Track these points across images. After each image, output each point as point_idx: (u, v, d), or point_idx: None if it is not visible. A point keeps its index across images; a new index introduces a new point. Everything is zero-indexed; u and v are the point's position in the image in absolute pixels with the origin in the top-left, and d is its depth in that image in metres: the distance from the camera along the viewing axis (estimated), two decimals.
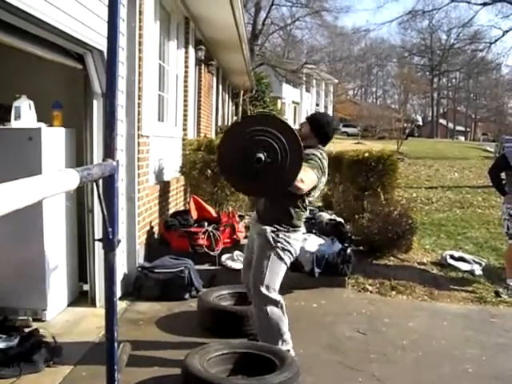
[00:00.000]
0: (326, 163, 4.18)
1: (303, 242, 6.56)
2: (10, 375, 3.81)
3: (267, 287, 4.06)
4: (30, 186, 1.52)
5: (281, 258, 4.09)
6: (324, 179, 4.19)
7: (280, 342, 4.13)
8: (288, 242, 4.10)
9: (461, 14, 79.39)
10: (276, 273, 4.09)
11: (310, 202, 4.27)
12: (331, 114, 53.01)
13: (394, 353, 4.66)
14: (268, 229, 4.08)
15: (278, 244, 4.07)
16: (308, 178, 3.88)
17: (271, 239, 4.06)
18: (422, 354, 4.65)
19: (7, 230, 4.66)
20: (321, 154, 4.15)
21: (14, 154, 4.74)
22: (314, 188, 4.10)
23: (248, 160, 3.56)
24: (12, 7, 3.33)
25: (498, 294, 6.30)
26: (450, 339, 5.03)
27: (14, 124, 4.85)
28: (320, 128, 4.28)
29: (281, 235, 4.08)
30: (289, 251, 4.12)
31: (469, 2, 40.87)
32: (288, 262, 4.17)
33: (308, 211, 4.35)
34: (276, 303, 4.11)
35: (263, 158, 3.53)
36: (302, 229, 4.30)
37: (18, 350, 3.99)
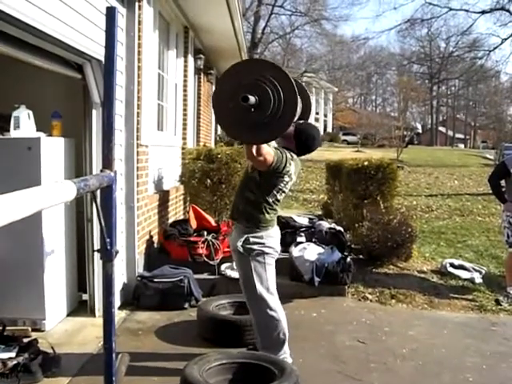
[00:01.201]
0: (291, 166, 4.11)
1: (303, 251, 6.59)
2: None
3: (263, 292, 4.08)
4: (27, 198, 1.52)
5: (262, 263, 4.08)
6: (287, 178, 4.10)
7: (280, 350, 4.12)
8: (262, 243, 4.07)
9: (459, 22, 79.82)
10: (264, 277, 4.10)
11: (276, 201, 4.15)
12: (321, 128, 53.11)
13: (394, 362, 4.65)
14: (238, 243, 4.07)
15: (253, 252, 4.06)
16: (266, 149, 3.85)
17: (244, 252, 4.06)
18: (422, 363, 4.64)
19: (6, 239, 4.65)
20: (291, 155, 4.14)
21: (13, 164, 4.74)
22: (275, 179, 4.05)
23: (236, 99, 3.39)
24: (11, 18, 3.34)
25: (498, 302, 6.29)
26: (450, 348, 5.01)
27: (13, 134, 4.86)
28: (303, 140, 4.25)
29: (251, 240, 4.05)
30: (265, 253, 4.09)
31: (467, 11, 40.90)
32: (271, 260, 4.16)
33: (277, 212, 4.24)
34: (274, 309, 4.11)
35: (251, 100, 3.36)
36: (275, 228, 4.25)
37: (17, 360, 3.96)
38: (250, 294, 4.15)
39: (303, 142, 4.24)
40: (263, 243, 4.08)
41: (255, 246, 4.06)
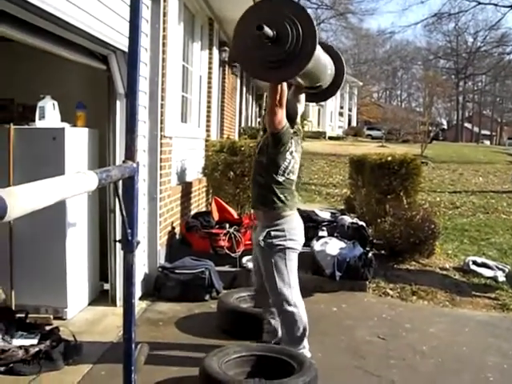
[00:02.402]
0: (292, 145, 4.12)
1: (325, 245, 6.57)
2: (29, 372, 3.84)
3: (284, 289, 4.08)
4: (50, 187, 1.53)
5: (283, 258, 4.08)
6: (289, 156, 4.10)
7: (299, 345, 4.13)
8: (283, 237, 4.07)
9: (488, 16, 78.54)
10: (285, 273, 4.09)
11: (287, 179, 4.14)
12: (346, 122, 52.67)
13: (413, 358, 4.62)
14: (260, 237, 4.08)
15: (275, 248, 4.06)
16: (283, 108, 3.86)
17: (265, 247, 4.07)
18: (442, 361, 4.61)
19: (30, 228, 4.71)
20: (294, 132, 4.17)
21: (38, 154, 4.79)
22: (278, 157, 4.06)
23: (252, 30, 3.31)
24: (38, 9, 3.37)
25: None
26: (471, 346, 4.97)
27: (39, 124, 4.92)
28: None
29: (273, 233, 4.05)
30: (287, 247, 4.09)
31: (496, 5, 40.38)
32: (293, 256, 4.16)
33: (292, 191, 4.22)
34: (294, 304, 4.12)
35: (266, 29, 3.27)
36: (296, 216, 4.23)
37: (39, 347, 4.02)
38: (271, 289, 4.16)
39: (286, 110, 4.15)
40: (285, 236, 4.07)
41: (277, 241, 4.05)
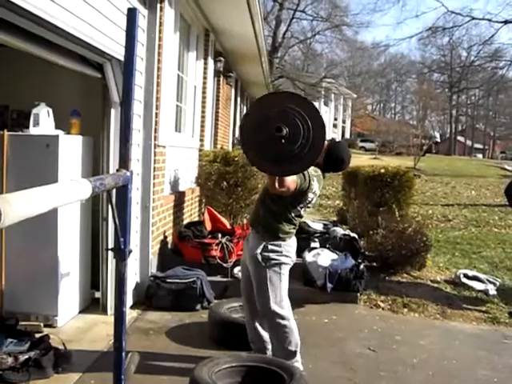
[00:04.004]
0: (315, 183, 4.03)
1: (317, 256, 6.58)
2: (18, 380, 3.82)
3: (276, 304, 4.07)
4: (43, 194, 1.54)
5: (278, 273, 4.07)
6: (311, 195, 4.04)
7: (294, 357, 4.12)
8: (279, 252, 4.05)
9: (481, 31, 79.23)
10: (278, 287, 4.08)
11: (298, 216, 4.12)
12: (339, 134, 52.72)
13: (404, 371, 4.62)
14: (257, 251, 4.04)
15: (270, 262, 4.04)
16: (289, 179, 3.75)
17: (261, 261, 4.03)
18: (432, 374, 4.60)
19: (22, 235, 4.70)
20: (315, 170, 4.05)
21: (32, 161, 4.79)
22: (299, 197, 3.98)
23: (265, 131, 3.36)
24: (34, 16, 3.38)
25: (511, 314, 6.23)
26: (461, 359, 4.97)
27: (33, 131, 4.91)
28: (333, 159, 4.15)
29: (269, 247, 4.03)
30: (282, 263, 4.08)
31: (490, 20, 40.55)
32: (286, 270, 4.14)
33: (296, 226, 4.19)
34: (287, 318, 4.11)
35: (284, 131, 3.32)
36: (293, 238, 4.20)
37: (28, 354, 3.99)
38: (262, 303, 4.13)
39: (332, 160, 4.14)
40: (281, 252, 4.06)
41: (273, 255, 4.04)
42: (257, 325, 4.35)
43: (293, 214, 4.07)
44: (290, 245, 4.15)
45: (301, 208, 4.09)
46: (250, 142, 3.58)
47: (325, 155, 4.05)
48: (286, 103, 3.45)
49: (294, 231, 4.21)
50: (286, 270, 4.14)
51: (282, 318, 4.09)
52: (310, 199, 4.08)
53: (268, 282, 4.05)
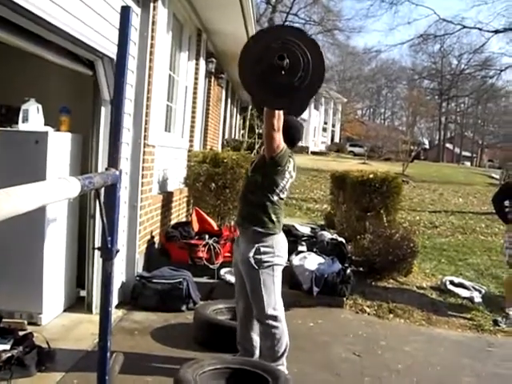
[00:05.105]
0: (291, 164, 4.09)
1: (303, 260, 6.58)
2: (0, 378, 3.78)
3: (270, 306, 4.07)
4: (31, 192, 1.52)
5: (271, 275, 4.07)
6: (287, 175, 4.08)
7: (279, 361, 4.11)
8: (272, 253, 4.05)
9: (472, 40, 79.22)
10: (272, 290, 4.08)
11: (280, 199, 4.13)
12: (329, 138, 52.63)
13: (388, 377, 4.62)
14: (250, 254, 4.03)
15: (263, 264, 4.03)
16: (280, 135, 3.83)
17: (254, 264, 4.03)
18: (416, 380, 4.61)
19: (7, 231, 4.65)
20: (290, 152, 4.09)
21: (20, 157, 4.75)
22: (276, 178, 4.03)
23: (265, 62, 3.38)
24: (24, 10, 3.35)
25: (496, 322, 6.25)
26: (445, 366, 4.98)
27: (22, 127, 4.87)
28: (292, 132, 4.16)
29: (262, 249, 4.03)
30: (275, 264, 4.08)
31: (480, 29, 40.81)
32: (279, 273, 4.15)
33: (282, 211, 4.22)
34: (280, 320, 4.12)
35: (286, 61, 3.32)
36: (282, 234, 4.22)
37: (11, 353, 3.95)
38: (257, 306, 4.12)
39: (289, 133, 4.11)
40: (273, 252, 4.06)
41: (265, 257, 4.03)
42: (249, 327, 4.34)
43: (274, 199, 4.07)
44: (279, 242, 4.15)
45: (280, 191, 4.09)
46: (250, 76, 3.60)
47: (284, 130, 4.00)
48: (286, 35, 3.46)
49: (282, 219, 4.20)
50: (278, 272, 4.14)
51: (276, 320, 4.09)
52: (286, 179, 4.10)
53: (262, 286, 4.04)
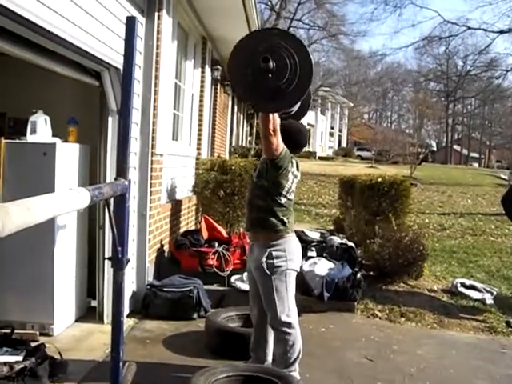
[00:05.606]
0: (293, 165, 4.11)
1: (314, 265, 6.57)
2: None
3: (284, 313, 4.06)
4: (41, 204, 1.53)
5: (283, 282, 4.06)
6: (291, 176, 4.08)
7: (291, 367, 4.10)
8: (284, 258, 4.05)
9: (477, 41, 79.00)
10: (285, 296, 4.07)
11: (289, 200, 4.13)
12: (336, 143, 52.74)
13: (401, 381, 4.60)
14: (263, 259, 4.03)
15: (276, 270, 4.03)
16: (279, 133, 3.83)
17: (267, 270, 4.03)
18: (429, 383, 4.59)
19: (18, 243, 4.66)
20: (290, 154, 4.08)
21: (29, 169, 4.78)
22: (281, 181, 4.03)
23: (253, 65, 3.39)
24: (32, 24, 3.37)
25: (509, 324, 6.22)
26: (458, 369, 4.96)
27: (30, 138, 4.90)
28: (293, 136, 4.16)
29: (274, 254, 4.03)
30: (288, 269, 4.08)
31: (485, 30, 40.61)
32: (292, 279, 4.14)
33: (291, 213, 4.22)
34: (294, 327, 4.10)
35: (271, 63, 3.34)
36: (294, 238, 4.22)
37: (24, 364, 3.96)
38: (270, 313, 4.12)
39: (293, 138, 4.14)
40: (286, 257, 4.06)
41: (278, 262, 4.03)
42: (264, 333, 4.33)
43: (283, 201, 4.08)
44: (292, 246, 4.15)
45: (286, 192, 4.09)
46: (239, 79, 3.62)
47: (283, 136, 3.99)
48: (272, 38, 3.48)
49: (292, 220, 4.20)
50: (291, 278, 4.13)
51: (290, 326, 4.08)
52: (291, 181, 4.10)
53: (274, 292, 4.04)
